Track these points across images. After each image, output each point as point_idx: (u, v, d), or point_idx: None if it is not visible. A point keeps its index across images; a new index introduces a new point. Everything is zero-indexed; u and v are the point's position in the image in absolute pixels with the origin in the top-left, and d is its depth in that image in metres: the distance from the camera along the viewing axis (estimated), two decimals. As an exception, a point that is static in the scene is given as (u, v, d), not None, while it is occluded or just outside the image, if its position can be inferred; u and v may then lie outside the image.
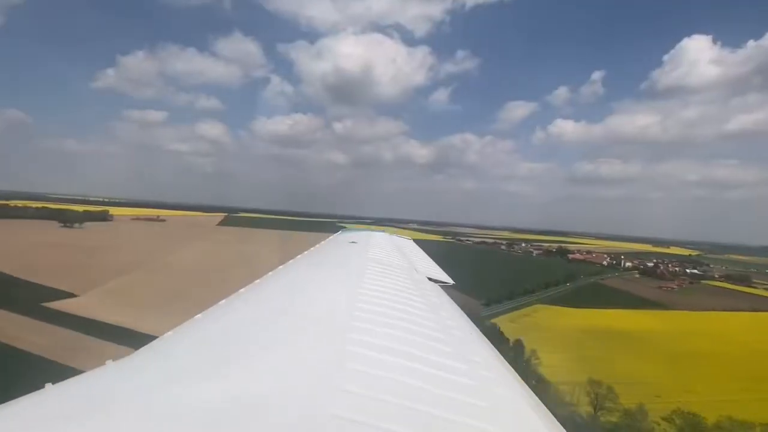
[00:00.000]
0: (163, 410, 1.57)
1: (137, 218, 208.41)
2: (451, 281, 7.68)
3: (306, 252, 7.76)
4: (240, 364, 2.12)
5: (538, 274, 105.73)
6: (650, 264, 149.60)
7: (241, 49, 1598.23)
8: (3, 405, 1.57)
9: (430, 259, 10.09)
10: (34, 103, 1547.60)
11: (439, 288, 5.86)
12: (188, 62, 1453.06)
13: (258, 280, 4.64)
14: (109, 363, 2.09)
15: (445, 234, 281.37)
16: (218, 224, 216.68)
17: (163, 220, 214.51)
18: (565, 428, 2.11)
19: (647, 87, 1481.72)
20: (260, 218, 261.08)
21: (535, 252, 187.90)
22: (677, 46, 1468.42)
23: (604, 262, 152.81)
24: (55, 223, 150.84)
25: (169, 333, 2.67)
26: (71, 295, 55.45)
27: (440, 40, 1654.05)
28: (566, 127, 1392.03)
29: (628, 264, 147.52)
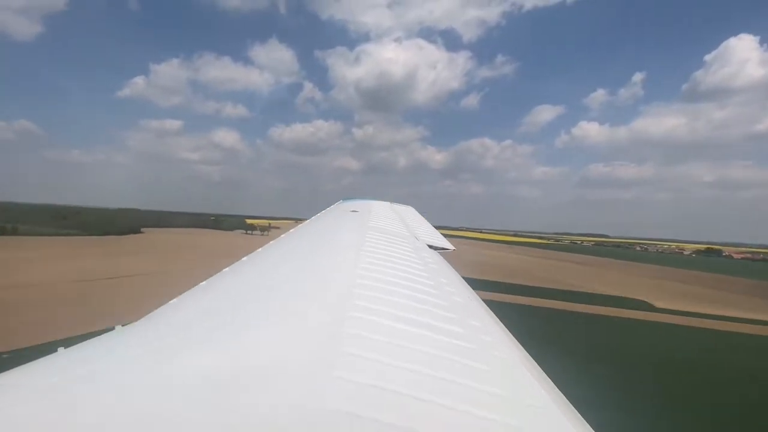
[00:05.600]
0: (171, 374, 1.56)
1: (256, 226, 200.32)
2: (451, 247, 7.80)
3: (307, 221, 7.89)
4: (244, 330, 2.15)
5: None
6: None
7: (276, 56, 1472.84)
8: (17, 368, 1.53)
9: (431, 226, 10.32)
10: (44, 114, 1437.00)
11: (439, 255, 5.92)
12: (223, 70, 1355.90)
13: (260, 249, 4.68)
14: (119, 328, 2.13)
15: (543, 237, 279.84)
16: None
17: (278, 227, 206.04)
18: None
19: (688, 89, 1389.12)
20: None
21: (685, 252, 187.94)
22: (720, 46, 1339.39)
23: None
24: (221, 232, 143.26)
25: (175, 300, 2.70)
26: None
27: (485, 44, 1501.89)
28: (590, 130, 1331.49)
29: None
